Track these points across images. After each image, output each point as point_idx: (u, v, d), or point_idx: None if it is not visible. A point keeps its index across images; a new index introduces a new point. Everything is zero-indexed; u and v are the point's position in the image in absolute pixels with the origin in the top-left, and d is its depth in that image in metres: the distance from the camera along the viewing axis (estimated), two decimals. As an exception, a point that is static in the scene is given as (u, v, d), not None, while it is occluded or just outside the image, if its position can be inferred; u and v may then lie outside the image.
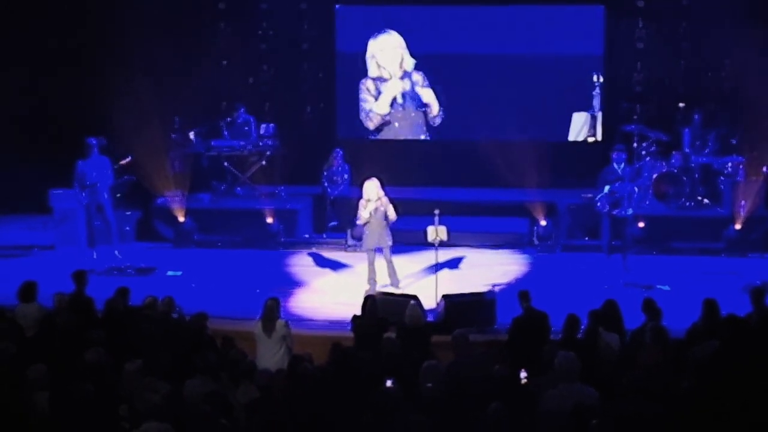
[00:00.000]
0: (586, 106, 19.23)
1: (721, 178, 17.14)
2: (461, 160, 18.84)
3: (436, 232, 13.42)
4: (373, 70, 19.68)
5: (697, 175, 17.14)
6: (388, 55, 19.61)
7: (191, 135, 18.29)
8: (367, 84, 19.71)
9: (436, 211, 13.50)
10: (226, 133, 18.47)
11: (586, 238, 16.63)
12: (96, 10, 18.57)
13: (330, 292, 14.36)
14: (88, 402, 7.91)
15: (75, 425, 7.75)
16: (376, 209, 13.79)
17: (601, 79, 19.06)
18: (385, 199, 13.90)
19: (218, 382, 8.89)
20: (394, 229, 14.26)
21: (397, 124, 19.71)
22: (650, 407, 7.63)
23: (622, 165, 14.83)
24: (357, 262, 15.48)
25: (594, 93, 19.16)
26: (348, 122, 19.89)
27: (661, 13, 18.66)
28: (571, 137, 19.38)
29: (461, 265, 15.65)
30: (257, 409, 8.18)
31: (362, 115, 19.77)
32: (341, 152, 18.20)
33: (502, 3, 19.40)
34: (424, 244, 14.20)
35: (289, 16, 19.57)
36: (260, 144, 18.38)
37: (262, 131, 18.49)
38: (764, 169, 16.60)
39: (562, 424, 7.58)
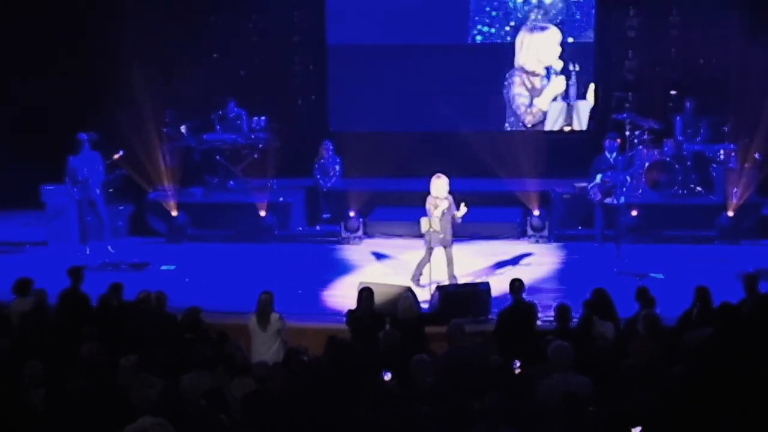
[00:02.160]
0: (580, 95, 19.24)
1: (714, 165, 17.17)
2: (454, 150, 18.83)
3: (429, 223, 13.40)
4: (530, 65, 19.37)
5: (689, 163, 17.16)
6: (548, 50, 19.31)
7: (183, 129, 18.26)
8: (523, 77, 19.48)
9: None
10: (218, 126, 18.45)
11: (580, 228, 16.63)
12: (87, 4, 18.52)
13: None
14: (84, 397, 7.91)
15: (71, 421, 7.74)
16: (437, 207, 13.49)
17: (578, 68, 19.05)
18: (450, 198, 13.64)
19: (214, 376, 8.88)
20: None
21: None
22: (644, 396, 7.65)
23: (615, 154, 14.86)
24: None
25: (570, 82, 19.17)
26: (339, 114, 19.85)
27: (653, 1, 18.65)
28: (548, 127, 19.40)
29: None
30: (253, 403, 8.17)
31: (520, 109, 19.51)
32: (330, 144, 18.19)
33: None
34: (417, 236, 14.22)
35: (279, 9, 19.55)
36: (252, 137, 18.36)
37: (253, 124, 18.47)
38: (756, 156, 16.62)
39: (556, 414, 7.59)
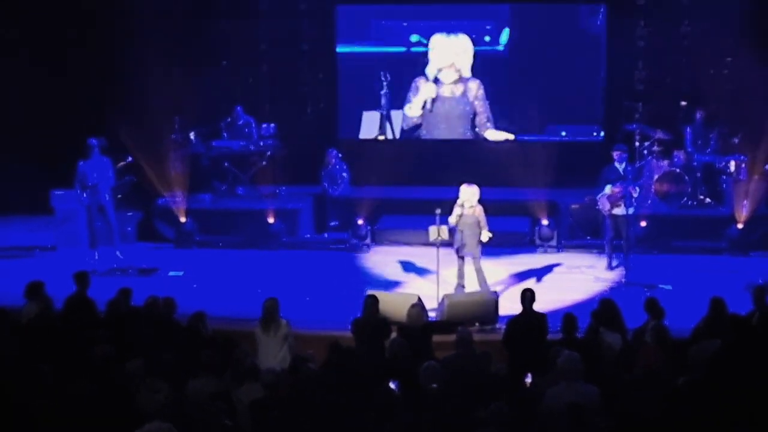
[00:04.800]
0: (582, 104, 19.20)
1: (723, 177, 17.13)
2: (463, 159, 18.84)
3: (437, 231, 13.38)
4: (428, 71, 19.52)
5: (699, 174, 17.12)
6: (440, 56, 19.43)
7: (192, 135, 18.28)
8: (419, 83, 19.54)
9: (438, 211, 13.46)
10: (225, 134, 18.47)
11: (588, 238, 16.60)
12: (97, 10, 18.56)
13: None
14: (91, 402, 7.91)
15: (77, 425, 7.75)
16: (461, 215, 13.43)
17: (388, 77, 19.17)
18: (479, 208, 13.55)
19: (221, 382, 8.88)
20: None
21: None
22: (651, 406, 7.63)
23: (624, 164, 14.83)
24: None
25: (382, 92, 19.28)
26: (348, 122, 19.87)
27: (663, 11, 18.63)
28: (361, 135, 19.63)
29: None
30: (261, 409, 8.17)
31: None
32: (335, 152, 18.22)
33: (505, 1, 19.40)
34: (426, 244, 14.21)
35: (289, 16, 19.55)
36: (261, 144, 18.38)
37: (262, 131, 18.49)
38: (766, 167, 16.58)
39: (563, 423, 7.57)
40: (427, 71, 19.40)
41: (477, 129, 19.38)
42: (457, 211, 13.43)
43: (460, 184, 13.63)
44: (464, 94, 19.37)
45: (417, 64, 19.40)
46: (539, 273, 15.16)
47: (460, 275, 13.72)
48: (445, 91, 19.41)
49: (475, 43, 19.27)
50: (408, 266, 15.48)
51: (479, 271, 13.60)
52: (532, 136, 19.25)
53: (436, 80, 19.40)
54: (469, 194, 13.47)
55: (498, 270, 15.14)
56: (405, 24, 19.54)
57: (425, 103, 19.40)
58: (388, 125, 19.45)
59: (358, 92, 19.75)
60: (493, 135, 19.33)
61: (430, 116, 19.44)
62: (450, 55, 19.35)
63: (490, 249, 16.22)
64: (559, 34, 19.14)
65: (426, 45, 19.38)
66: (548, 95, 19.12)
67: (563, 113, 19.32)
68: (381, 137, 19.53)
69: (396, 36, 19.55)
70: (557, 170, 18.04)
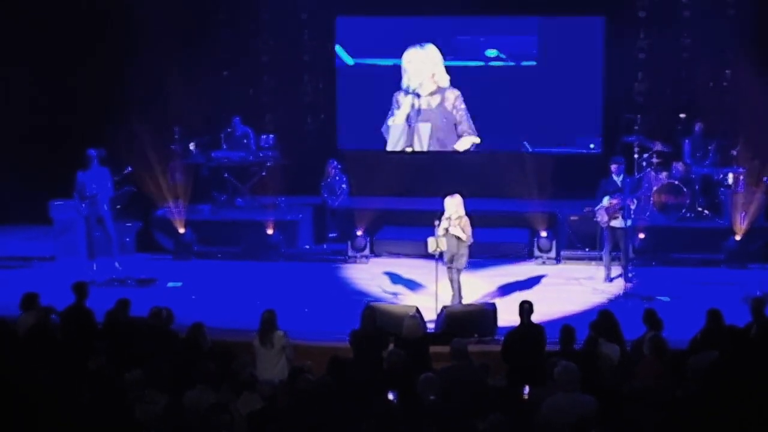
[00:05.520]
0: (588, 117, 19.24)
1: (722, 189, 17.16)
2: (462, 170, 18.86)
3: (436, 242, 13.39)
4: (404, 83, 19.64)
5: (697, 186, 17.14)
6: (416, 69, 19.56)
7: (191, 146, 18.31)
8: (398, 97, 19.68)
9: (437, 222, 13.46)
10: (225, 144, 18.49)
11: (587, 249, 16.60)
12: (96, 22, 18.59)
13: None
14: (89, 412, 7.91)
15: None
16: (448, 228, 13.39)
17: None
18: (465, 219, 13.51)
19: (219, 393, 8.88)
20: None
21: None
22: (649, 417, 7.62)
23: (622, 176, 14.84)
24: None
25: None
26: (348, 133, 19.90)
27: (662, 23, 18.66)
28: (389, 147, 19.67)
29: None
30: (259, 420, 8.17)
31: (383, 128, 19.82)
32: (335, 162, 18.23)
33: (504, 14, 19.42)
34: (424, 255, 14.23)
35: (289, 27, 19.60)
36: (260, 155, 18.40)
37: (262, 142, 18.51)
38: (765, 180, 16.59)
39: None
40: (405, 85, 19.50)
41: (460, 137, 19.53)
42: (444, 224, 13.42)
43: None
44: (441, 104, 19.49)
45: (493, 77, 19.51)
46: (538, 284, 15.16)
47: (453, 287, 13.72)
48: (423, 103, 19.50)
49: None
50: (406, 277, 15.48)
51: (454, 282, 13.61)
52: (536, 148, 19.27)
53: (414, 93, 19.51)
54: (454, 206, 13.47)
55: (496, 281, 15.15)
56: (482, 39, 19.62)
57: (408, 116, 19.49)
58: (415, 137, 19.48)
59: (358, 103, 19.77)
60: (462, 145, 19.40)
61: (414, 128, 19.52)
62: (429, 66, 19.48)
63: (490, 260, 16.32)
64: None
65: (505, 60, 19.46)
66: (550, 107, 19.17)
67: (562, 125, 19.31)
68: (408, 149, 19.56)
69: (473, 51, 19.66)
70: (556, 182, 18.07)
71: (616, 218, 14.68)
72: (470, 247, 13.61)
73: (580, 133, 19.35)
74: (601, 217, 14.84)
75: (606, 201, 14.70)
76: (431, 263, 13.71)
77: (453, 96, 19.48)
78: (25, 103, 18.82)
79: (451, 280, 13.58)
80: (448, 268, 13.56)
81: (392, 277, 15.70)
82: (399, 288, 15.05)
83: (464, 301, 13.55)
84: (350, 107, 19.89)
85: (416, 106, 19.44)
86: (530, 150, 19.13)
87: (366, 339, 10.80)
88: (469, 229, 13.47)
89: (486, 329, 12.33)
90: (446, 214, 13.44)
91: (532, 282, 15.33)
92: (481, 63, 19.51)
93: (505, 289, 14.79)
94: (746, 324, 10.48)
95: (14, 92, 18.85)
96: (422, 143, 19.54)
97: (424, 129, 19.51)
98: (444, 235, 13.34)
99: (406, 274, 15.67)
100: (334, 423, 7.89)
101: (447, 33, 19.54)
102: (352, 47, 19.79)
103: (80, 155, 15.73)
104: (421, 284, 14.98)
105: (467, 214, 13.55)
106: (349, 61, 19.61)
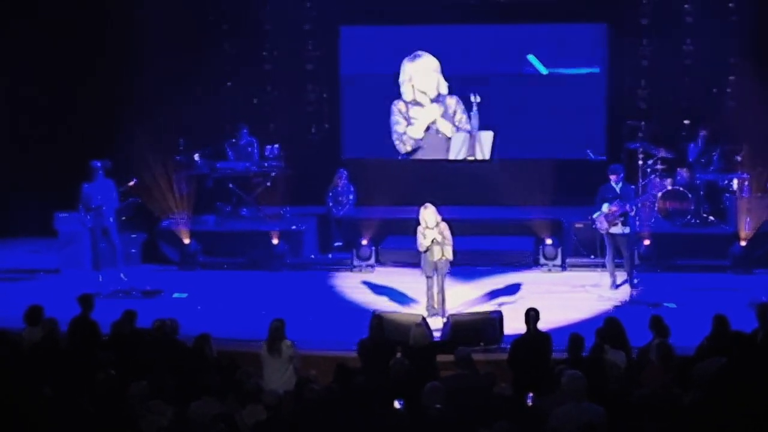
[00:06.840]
0: (589, 124, 19.24)
1: (726, 195, 17.14)
2: (467, 179, 18.87)
3: (441, 251, 13.39)
4: (408, 94, 19.67)
5: (702, 192, 17.13)
6: (424, 78, 19.61)
7: (196, 156, 18.32)
8: (399, 106, 19.72)
9: (422, 235, 13.50)
10: (230, 154, 18.51)
11: (592, 257, 16.58)
12: (100, 32, 18.63)
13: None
14: (95, 424, 7.91)
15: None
16: (425, 236, 13.46)
17: (479, 99, 19.28)
18: (443, 225, 13.56)
19: (224, 404, 8.87)
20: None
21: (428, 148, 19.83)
22: (656, 425, 7.60)
23: (620, 184, 14.80)
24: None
25: (472, 113, 19.34)
26: (353, 143, 19.90)
27: (665, 30, 18.66)
28: (451, 156, 19.65)
29: (468, 284, 15.60)
30: (264, 431, 8.15)
31: (394, 137, 19.81)
32: (345, 172, 18.23)
33: (506, 22, 19.43)
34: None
35: (293, 37, 19.61)
36: (265, 165, 18.40)
37: (266, 152, 18.51)
38: (769, 185, 16.60)
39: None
40: (409, 98, 19.57)
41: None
42: (429, 234, 13.45)
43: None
44: (445, 112, 19.51)
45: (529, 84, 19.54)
46: (543, 292, 15.13)
47: (429, 296, 13.72)
48: (434, 111, 19.65)
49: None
50: (411, 287, 15.45)
51: (441, 291, 13.61)
52: (537, 155, 19.26)
53: (415, 102, 19.55)
54: (430, 216, 13.50)
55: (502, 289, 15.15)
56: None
57: (429, 126, 19.53)
58: (477, 146, 19.49)
59: (362, 112, 19.78)
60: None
61: (475, 137, 19.52)
62: (432, 74, 19.52)
63: (495, 268, 16.31)
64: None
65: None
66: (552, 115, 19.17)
67: (565, 133, 19.31)
68: (470, 158, 19.57)
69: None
70: (561, 189, 18.06)
71: (615, 225, 14.65)
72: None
73: (584, 140, 19.33)
74: (601, 224, 14.81)
75: (605, 208, 14.66)
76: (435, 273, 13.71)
77: (453, 102, 19.54)
78: (29, 116, 18.84)
79: (438, 291, 13.60)
80: (429, 278, 13.59)
81: (397, 286, 15.64)
82: (404, 297, 15.00)
83: (470, 310, 13.54)
84: (355, 117, 19.88)
85: (471, 113, 19.43)
86: (593, 158, 19.01)
87: (374, 348, 10.79)
88: (448, 232, 13.56)
89: (493, 337, 12.32)
90: (425, 224, 13.48)
91: (537, 289, 15.29)
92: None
93: (511, 297, 14.77)
94: (753, 330, 10.46)
95: (19, 104, 18.89)
96: (484, 152, 19.51)
97: (485, 138, 19.48)
98: (431, 246, 13.39)
99: (411, 283, 15.64)
100: (339, 432, 7.89)
101: (450, 42, 19.53)
102: (356, 57, 19.80)
103: (85, 167, 15.76)
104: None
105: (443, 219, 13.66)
106: (543, 70, 19.51)
